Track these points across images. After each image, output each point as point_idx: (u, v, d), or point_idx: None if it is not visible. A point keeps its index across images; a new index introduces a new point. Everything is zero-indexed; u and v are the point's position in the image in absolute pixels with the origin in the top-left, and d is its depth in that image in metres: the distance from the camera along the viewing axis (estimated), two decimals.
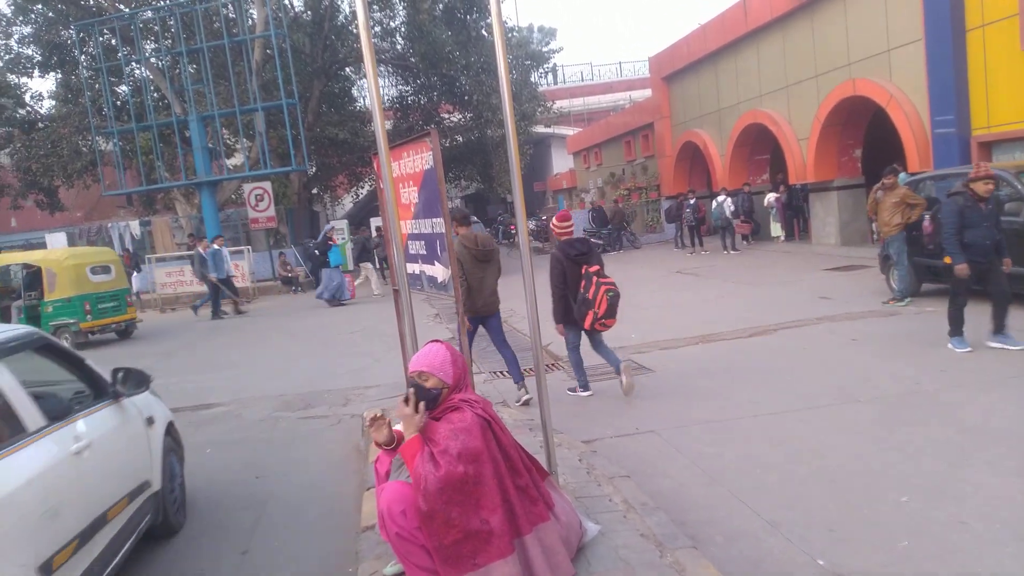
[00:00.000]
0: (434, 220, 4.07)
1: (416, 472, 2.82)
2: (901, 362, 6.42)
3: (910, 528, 3.47)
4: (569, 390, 6.43)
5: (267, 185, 20.86)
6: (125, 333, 14.08)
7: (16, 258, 14.19)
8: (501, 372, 7.29)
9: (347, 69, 25.42)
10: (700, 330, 8.59)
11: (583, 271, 5.98)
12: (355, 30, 21.56)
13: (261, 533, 4.27)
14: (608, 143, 31.27)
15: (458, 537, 2.78)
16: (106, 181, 22.11)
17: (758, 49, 18.33)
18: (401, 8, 23.51)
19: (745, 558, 3.35)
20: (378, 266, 19.15)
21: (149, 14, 21.17)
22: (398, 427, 3.12)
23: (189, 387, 8.45)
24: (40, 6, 22.48)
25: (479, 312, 6.14)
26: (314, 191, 28.86)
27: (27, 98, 25.07)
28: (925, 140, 13.12)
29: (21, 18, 23.12)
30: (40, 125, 24.20)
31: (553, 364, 7.56)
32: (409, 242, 4.51)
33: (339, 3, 23.74)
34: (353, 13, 22.44)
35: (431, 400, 2.99)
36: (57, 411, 3.33)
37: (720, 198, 18.02)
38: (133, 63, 21.48)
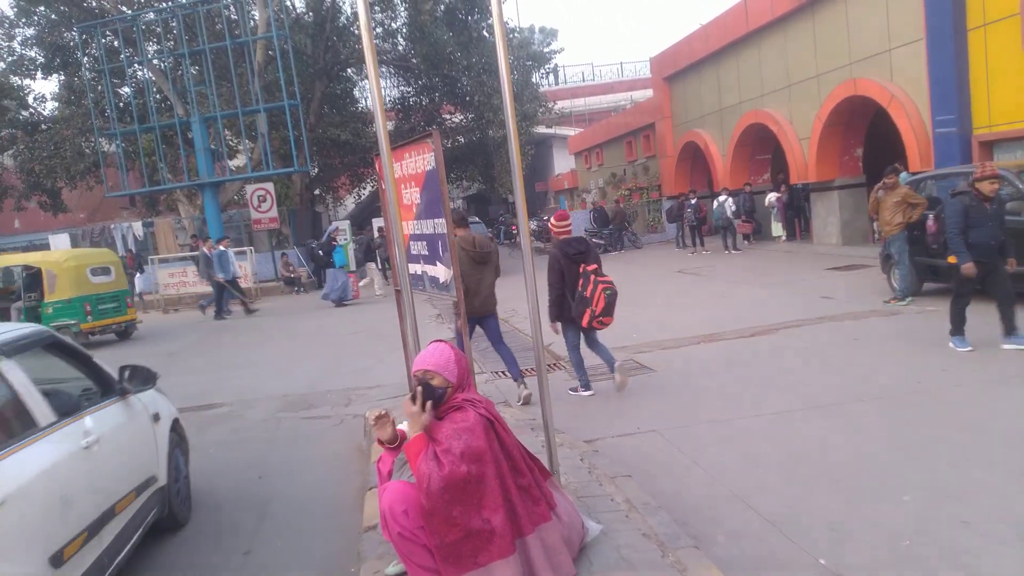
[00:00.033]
0: (436, 221, 4.08)
1: (420, 470, 2.83)
2: (903, 361, 6.42)
3: (912, 528, 3.47)
4: (571, 390, 6.44)
5: (269, 186, 20.89)
6: (125, 334, 14.10)
7: (16, 259, 14.19)
8: (502, 372, 7.30)
9: (349, 70, 25.47)
10: (702, 330, 8.60)
11: (581, 270, 6.03)
12: (357, 31, 21.61)
13: (264, 533, 4.28)
14: (609, 143, 31.27)
15: (460, 536, 2.79)
16: (109, 182, 22.15)
17: (759, 49, 18.32)
18: (403, 9, 23.54)
19: (747, 557, 3.36)
20: (380, 266, 19.17)
21: (151, 16, 21.23)
22: (401, 426, 3.13)
23: (192, 387, 8.46)
24: (43, 8, 22.56)
25: (476, 313, 6.19)
26: (316, 192, 28.90)
27: (30, 100, 25.18)
28: (926, 139, 13.11)
29: (24, 20, 23.21)
30: (43, 127, 24.25)
31: (555, 364, 7.57)
32: (411, 243, 4.52)
33: (341, 4, 23.80)
34: (355, 14, 22.47)
35: (437, 399, 3.01)
36: (67, 407, 3.41)
37: (721, 198, 18.01)
38: (135, 65, 21.54)
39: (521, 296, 4.34)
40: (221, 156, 21.15)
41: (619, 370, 6.19)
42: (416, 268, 4.59)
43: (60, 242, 21.78)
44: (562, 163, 41.39)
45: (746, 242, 18.82)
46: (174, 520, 4.33)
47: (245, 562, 3.94)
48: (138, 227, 24.01)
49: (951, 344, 6.55)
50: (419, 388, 2.96)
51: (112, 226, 24.86)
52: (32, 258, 13.88)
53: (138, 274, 20.45)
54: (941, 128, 12.62)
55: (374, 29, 13.70)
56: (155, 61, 21.59)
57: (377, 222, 22.13)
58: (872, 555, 3.28)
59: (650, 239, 24.29)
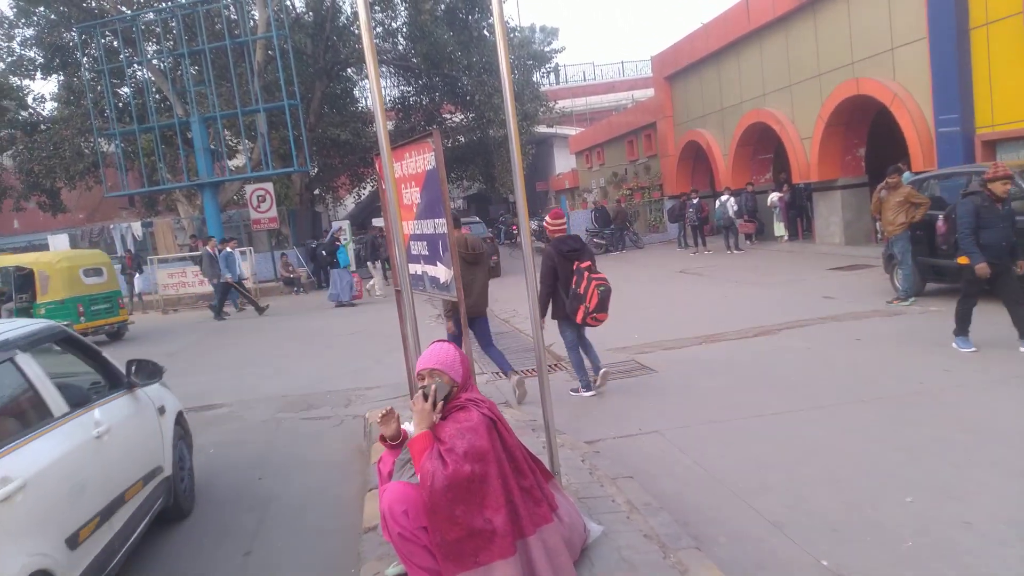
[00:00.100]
0: (436, 221, 4.06)
1: (424, 468, 2.83)
2: (905, 362, 6.40)
3: (914, 528, 3.46)
4: (571, 391, 6.43)
5: (269, 186, 20.88)
6: (116, 335, 14.06)
7: (8, 260, 14.13)
8: (503, 373, 7.28)
9: (349, 70, 25.44)
10: (703, 330, 8.58)
11: (575, 267, 6.06)
12: (357, 31, 21.60)
13: (264, 534, 4.27)
14: (610, 143, 31.25)
15: (461, 535, 2.78)
16: (108, 183, 22.14)
17: (761, 48, 18.30)
18: (403, 9, 23.53)
19: (749, 559, 3.34)
20: (379, 266, 19.16)
21: (151, 16, 21.22)
22: (404, 426, 3.14)
23: (192, 388, 8.44)
24: (42, 8, 22.54)
25: (468, 313, 6.21)
26: (316, 192, 28.88)
27: (29, 100, 25.15)
28: (929, 139, 13.09)
29: (23, 20, 23.19)
30: (42, 127, 24.24)
31: (555, 365, 7.56)
32: (411, 243, 4.51)
33: (341, 4, 23.78)
34: (354, 14, 22.46)
35: (445, 398, 3.02)
36: (78, 399, 3.58)
37: (723, 197, 17.99)
38: (135, 65, 21.52)
39: (521, 296, 4.33)
40: (220, 156, 21.15)
41: (602, 376, 6.40)
42: (416, 268, 4.58)
43: (59, 242, 21.75)
44: (563, 162, 41.38)
45: (748, 242, 18.80)
46: (179, 510, 4.49)
47: (245, 563, 3.92)
48: (137, 227, 23.99)
49: (954, 344, 6.53)
50: (433, 386, 2.96)
51: (111, 226, 24.85)
52: (25, 259, 13.82)
53: (137, 274, 20.40)
54: (944, 127, 12.60)
55: (374, 29, 13.70)
56: (154, 61, 21.59)
57: (377, 222, 22.12)
58: (874, 556, 3.27)
59: (652, 239, 24.27)
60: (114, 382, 4.07)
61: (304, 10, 24.58)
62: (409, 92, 26.67)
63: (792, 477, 4.21)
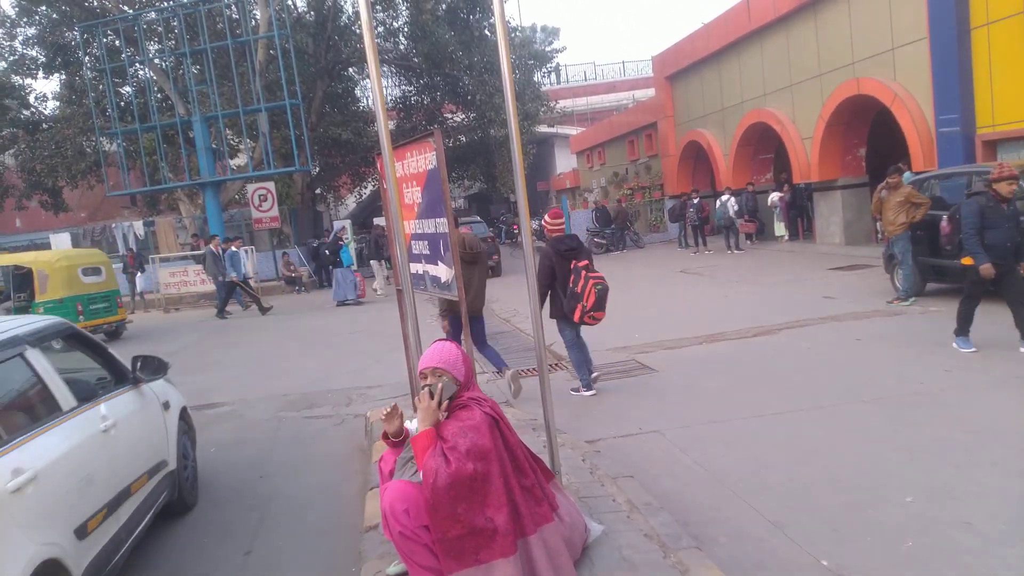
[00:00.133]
0: (437, 220, 4.07)
1: (427, 465, 2.84)
2: (905, 362, 6.40)
3: (914, 529, 3.46)
4: (572, 390, 6.44)
5: (270, 185, 20.87)
6: (115, 334, 14.05)
7: (7, 259, 14.13)
8: (497, 370, 7.28)
9: (350, 69, 25.45)
10: (704, 330, 8.58)
11: (572, 266, 6.07)
12: (358, 30, 21.61)
13: (265, 533, 4.28)
14: (611, 142, 31.24)
15: (462, 533, 2.79)
16: (110, 182, 22.16)
17: (762, 48, 18.30)
18: (404, 8, 23.53)
19: (749, 558, 3.35)
20: (383, 265, 19.16)
21: (153, 15, 21.22)
22: (407, 424, 3.15)
23: (193, 387, 8.45)
24: (44, 8, 22.56)
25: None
26: (317, 191, 28.89)
27: (31, 99, 25.16)
28: (929, 139, 13.09)
29: (25, 20, 23.20)
30: (44, 126, 24.27)
31: (556, 364, 7.56)
32: (413, 242, 4.52)
33: (342, 3, 23.80)
34: (356, 13, 22.46)
35: (450, 396, 3.03)
36: (85, 393, 3.66)
37: (724, 197, 17.99)
38: (137, 64, 21.54)
39: (521, 296, 4.34)
40: (222, 155, 21.15)
41: (593, 381, 6.42)
42: (417, 268, 4.59)
43: (61, 241, 21.77)
44: (564, 162, 41.37)
45: (749, 242, 18.80)
46: (183, 504, 4.56)
47: (246, 561, 3.93)
48: (139, 226, 24.00)
49: (955, 345, 6.53)
50: (439, 384, 2.98)
51: (113, 225, 24.86)
52: (24, 258, 13.79)
53: (139, 273, 20.41)
54: (944, 127, 12.60)
55: (375, 28, 13.69)
56: (156, 60, 21.60)
57: (381, 220, 22.12)
58: (874, 556, 3.27)
59: (652, 239, 24.26)
60: (120, 377, 4.14)
61: (306, 9, 24.59)
62: (410, 92, 26.67)
63: (792, 477, 4.22)
